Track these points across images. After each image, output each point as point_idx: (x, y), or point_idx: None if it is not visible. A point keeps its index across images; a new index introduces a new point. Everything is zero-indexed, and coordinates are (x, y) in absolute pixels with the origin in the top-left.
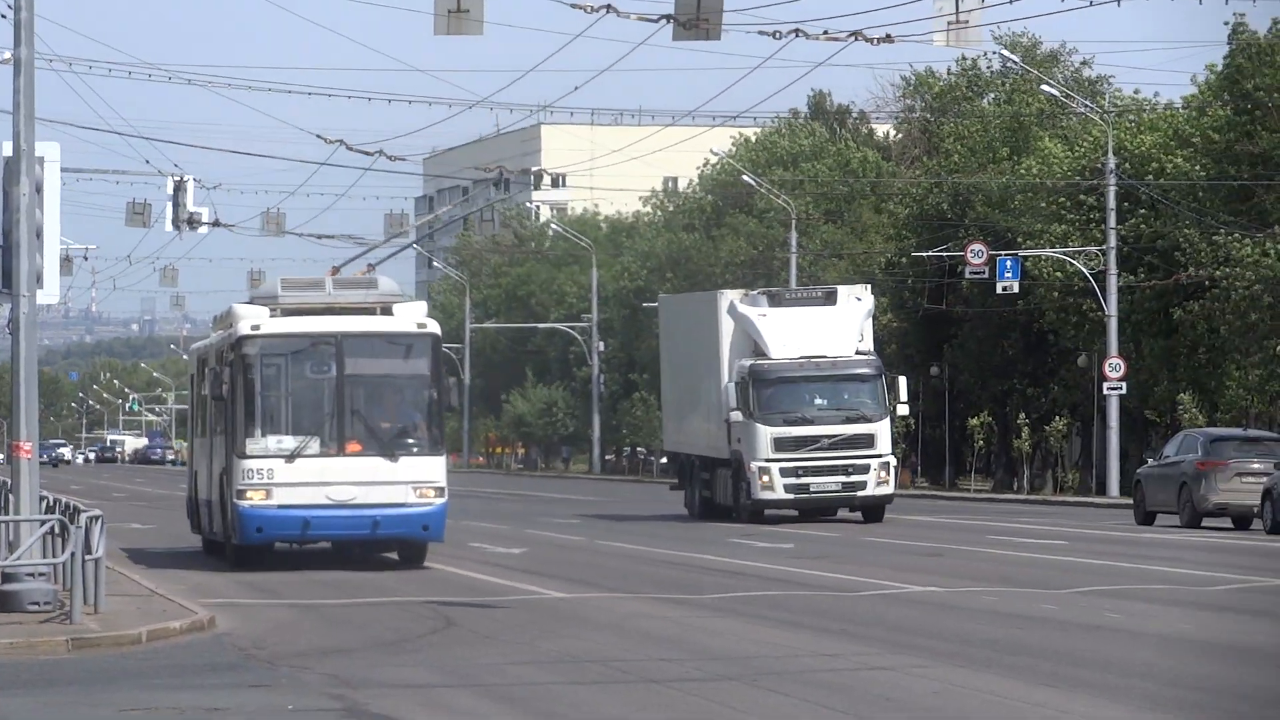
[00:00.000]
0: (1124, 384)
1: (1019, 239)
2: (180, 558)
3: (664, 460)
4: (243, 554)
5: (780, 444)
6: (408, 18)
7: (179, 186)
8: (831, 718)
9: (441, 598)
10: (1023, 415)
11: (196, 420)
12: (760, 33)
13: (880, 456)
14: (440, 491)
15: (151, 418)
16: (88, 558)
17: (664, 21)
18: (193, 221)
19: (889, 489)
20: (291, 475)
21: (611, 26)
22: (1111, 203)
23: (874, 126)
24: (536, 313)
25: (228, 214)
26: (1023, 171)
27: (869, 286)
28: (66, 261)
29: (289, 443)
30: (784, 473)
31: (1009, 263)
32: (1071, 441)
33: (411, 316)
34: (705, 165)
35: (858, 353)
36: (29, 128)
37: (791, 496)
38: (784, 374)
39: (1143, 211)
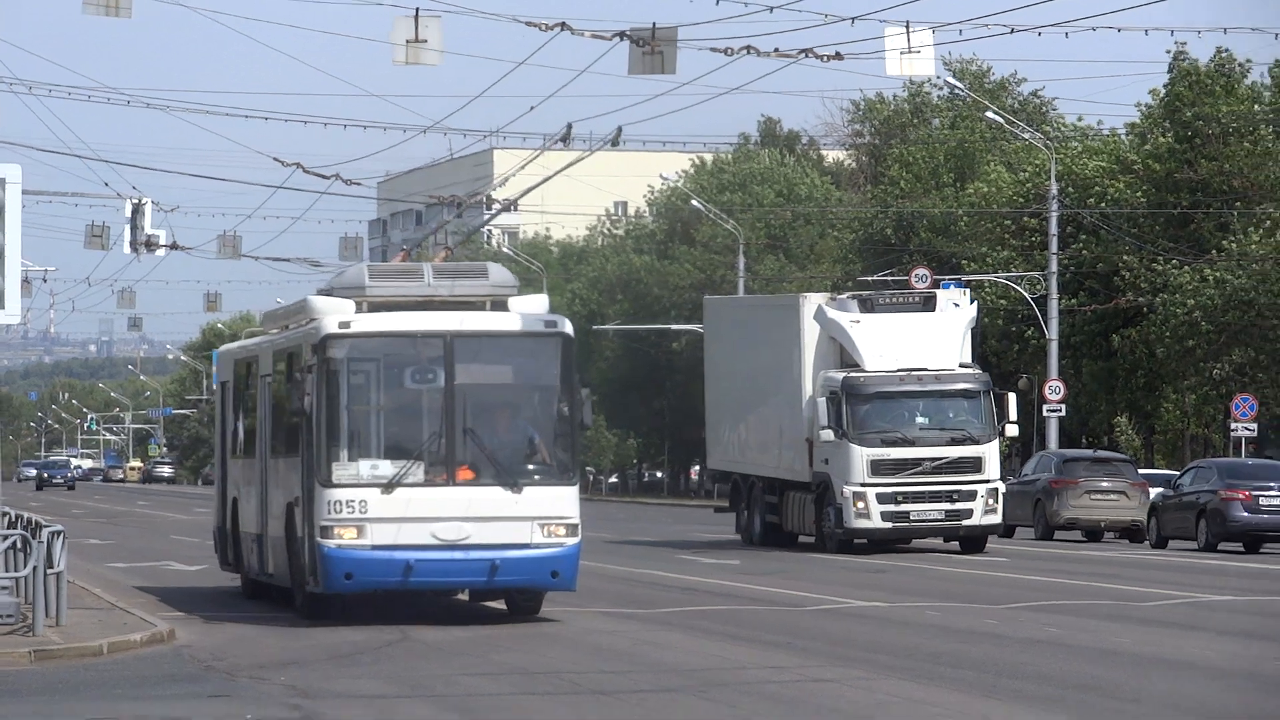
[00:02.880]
0: (1063, 406)
1: (963, 263)
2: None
3: (613, 479)
4: (321, 603)
5: (878, 467)
6: (365, 45)
7: (137, 209)
8: None
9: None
10: None
11: (229, 437)
12: (713, 49)
13: (988, 482)
14: (573, 529)
15: (110, 437)
16: (50, 571)
17: (617, 39)
18: (150, 244)
19: (997, 518)
20: (390, 509)
21: (565, 54)
22: (1054, 228)
23: (824, 153)
24: None
25: (185, 237)
26: (968, 195)
27: (968, 291)
28: (26, 283)
29: (386, 468)
30: (881, 499)
31: (952, 287)
32: (1012, 462)
33: (534, 313)
34: (653, 192)
35: (962, 365)
36: None
37: (889, 525)
38: (882, 388)
39: (1084, 237)
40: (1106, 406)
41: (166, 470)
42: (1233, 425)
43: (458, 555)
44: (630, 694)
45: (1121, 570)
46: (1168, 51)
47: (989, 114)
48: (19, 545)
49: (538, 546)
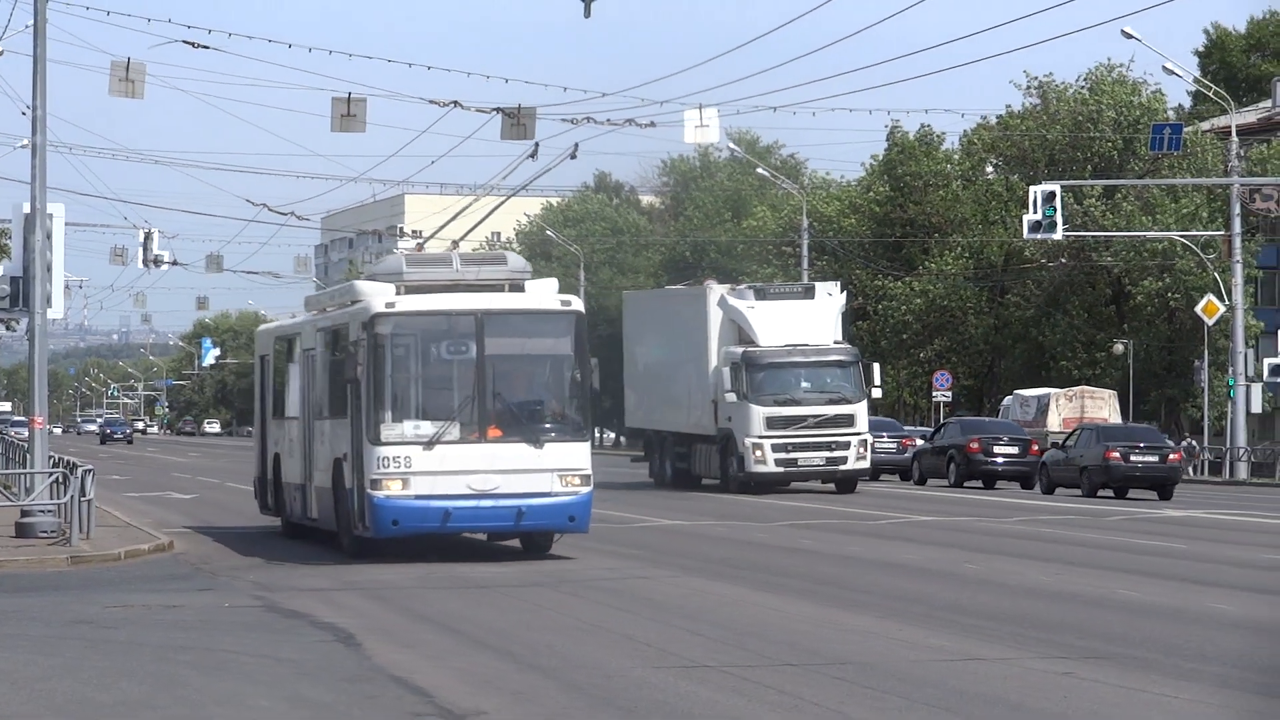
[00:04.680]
0: None
1: (740, 277)
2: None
3: None
4: (366, 545)
5: (772, 422)
6: (312, 118)
7: (148, 236)
8: (608, 611)
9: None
10: None
11: (269, 402)
12: (562, 119)
13: (859, 434)
14: (586, 479)
15: (126, 401)
16: (82, 499)
17: (494, 113)
18: (157, 261)
19: (865, 464)
20: (430, 463)
21: (456, 124)
22: (805, 251)
23: (641, 197)
24: None
25: (182, 256)
26: (743, 227)
27: (839, 283)
28: (67, 289)
29: (427, 428)
30: (775, 448)
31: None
32: None
33: (549, 293)
34: (519, 225)
35: (835, 342)
36: (42, 193)
37: (781, 470)
38: (774, 360)
39: (826, 258)
40: None
41: (140, 424)
42: (934, 393)
43: (489, 503)
44: (504, 588)
45: (856, 500)
46: (885, 125)
47: (759, 170)
48: (60, 480)
49: (557, 495)
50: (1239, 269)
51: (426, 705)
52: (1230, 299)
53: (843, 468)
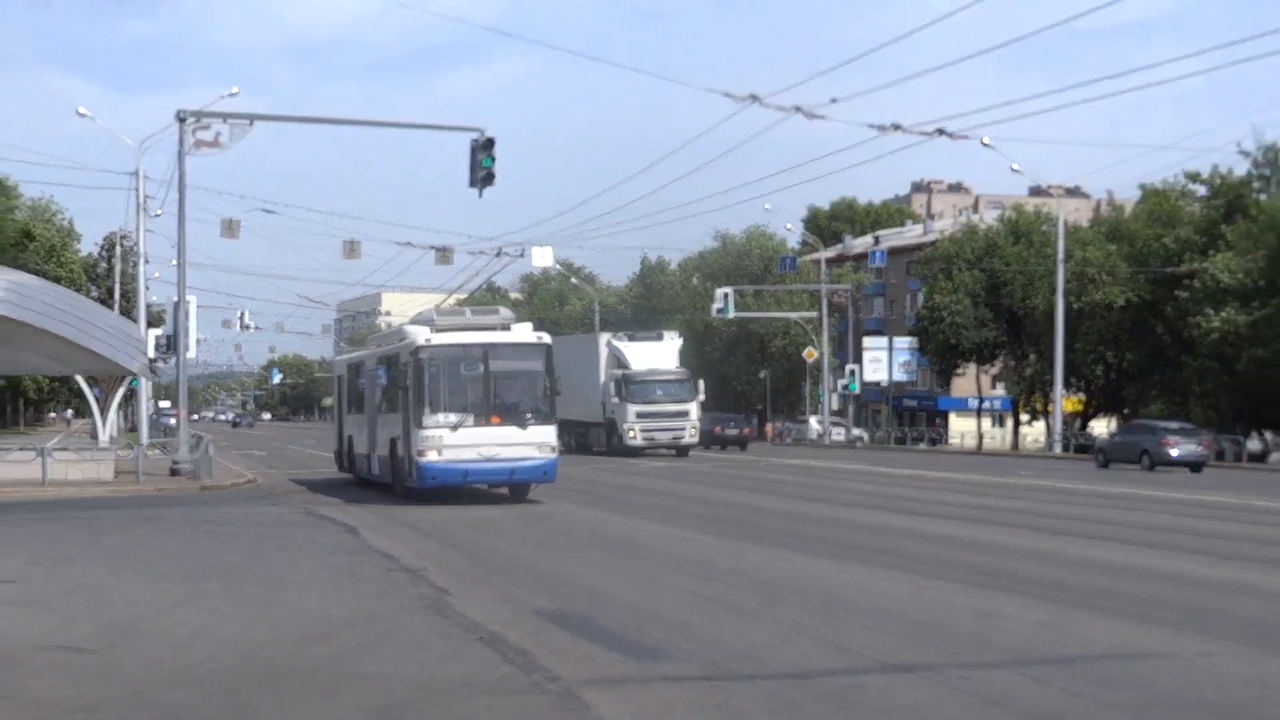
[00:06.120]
0: None
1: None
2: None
3: None
4: (412, 492)
5: (640, 414)
6: (330, 251)
7: (242, 314)
8: (524, 528)
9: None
10: None
11: (345, 403)
12: (469, 253)
13: (692, 423)
14: (554, 449)
15: (230, 402)
16: (208, 455)
17: (430, 249)
18: (247, 327)
19: (696, 439)
20: (455, 440)
21: (408, 255)
22: (597, 324)
23: (511, 294)
24: None
25: (260, 323)
26: (565, 311)
27: (677, 332)
28: (197, 342)
29: (453, 418)
30: (642, 430)
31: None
32: None
33: (528, 331)
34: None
35: (677, 367)
36: (183, 290)
37: (645, 443)
38: (643, 378)
39: (610, 327)
40: None
41: (225, 416)
42: None
43: (492, 465)
44: (458, 509)
45: (659, 455)
46: (640, 255)
47: (573, 280)
48: (194, 444)
49: (535, 459)
50: (825, 333)
51: (393, 565)
52: (821, 348)
53: (681, 442)
